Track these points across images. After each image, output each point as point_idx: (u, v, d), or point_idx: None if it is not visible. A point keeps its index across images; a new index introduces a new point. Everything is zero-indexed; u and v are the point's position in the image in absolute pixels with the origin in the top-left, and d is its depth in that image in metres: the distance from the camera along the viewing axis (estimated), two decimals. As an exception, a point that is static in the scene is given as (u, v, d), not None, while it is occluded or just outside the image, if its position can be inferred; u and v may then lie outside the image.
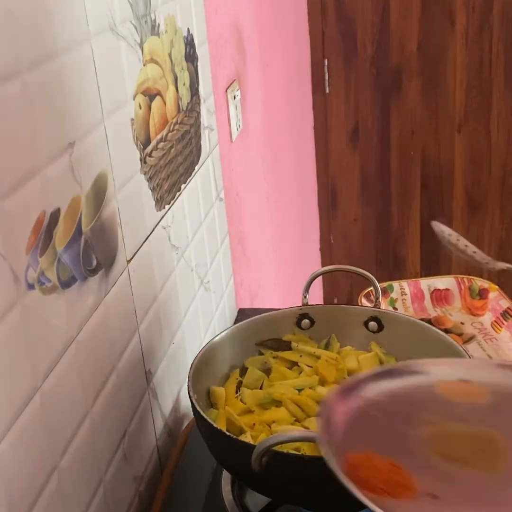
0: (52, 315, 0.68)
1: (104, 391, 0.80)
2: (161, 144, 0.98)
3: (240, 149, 1.52)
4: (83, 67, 0.75)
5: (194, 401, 0.80)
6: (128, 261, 0.87)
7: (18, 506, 0.63)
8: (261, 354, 0.97)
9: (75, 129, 0.73)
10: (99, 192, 0.78)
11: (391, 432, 0.65)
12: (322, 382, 0.91)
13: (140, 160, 0.91)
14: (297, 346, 0.98)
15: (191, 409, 0.81)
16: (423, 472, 0.59)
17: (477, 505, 0.56)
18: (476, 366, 0.75)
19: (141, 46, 0.90)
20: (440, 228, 1.18)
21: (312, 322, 0.99)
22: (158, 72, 0.96)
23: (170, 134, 1.01)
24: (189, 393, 0.81)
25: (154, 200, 0.96)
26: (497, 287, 1.32)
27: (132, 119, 0.88)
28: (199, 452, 0.91)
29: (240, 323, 0.97)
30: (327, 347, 0.98)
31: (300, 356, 0.96)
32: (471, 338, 1.24)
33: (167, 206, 1.01)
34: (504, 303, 1.28)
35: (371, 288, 1.12)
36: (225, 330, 0.95)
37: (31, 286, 0.64)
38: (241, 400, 0.91)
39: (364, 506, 0.79)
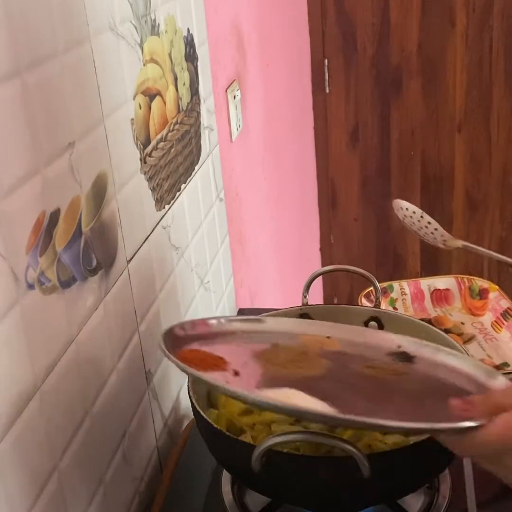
0: (52, 315, 0.68)
1: (104, 391, 0.80)
2: (161, 144, 0.98)
3: (240, 149, 1.52)
4: (83, 67, 0.75)
5: (194, 401, 0.80)
6: (128, 261, 0.87)
7: (18, 506, 0.63)
8: (261, 354, 0.97)
9: (75, 129, 0.73)
10: (99, 192, 0.78)
11: (238, 346, 0.77)
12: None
13: (140, 160, 0.91)
14: (297, 346, 0.97)
15: (191, 409, 0.81)
16: (240, 363, 0.70)
17: (263, 385, 0.68)
18: (347, 329, 0.82)
19: (141, 46, 0.90)
20: (402, 205, 1.12)
21: (312, 322, 0.99)
22: (158, 72, 0.96)
23: (170, 134, 1.01)
24: (189, 393, 0.81)
25: (154, 200, 0.96)
26: (497, 287, 1.32)
27: (132, 119, 0.88)
28: (199, 452, 0.91)
29: (240, 323, 0.96)
30: (327, 347, 0.98)
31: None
32: (471, 338, 1.24)
33: (167, 206, 1.01)
34: (504, 303, 1.28)
35: (371, 288, 1.12)
36: (225, 330, 0.95)
37: (31, 286, 0.64)
38: (241, 400, 0.91)
39: (364, 506, 0.79)
